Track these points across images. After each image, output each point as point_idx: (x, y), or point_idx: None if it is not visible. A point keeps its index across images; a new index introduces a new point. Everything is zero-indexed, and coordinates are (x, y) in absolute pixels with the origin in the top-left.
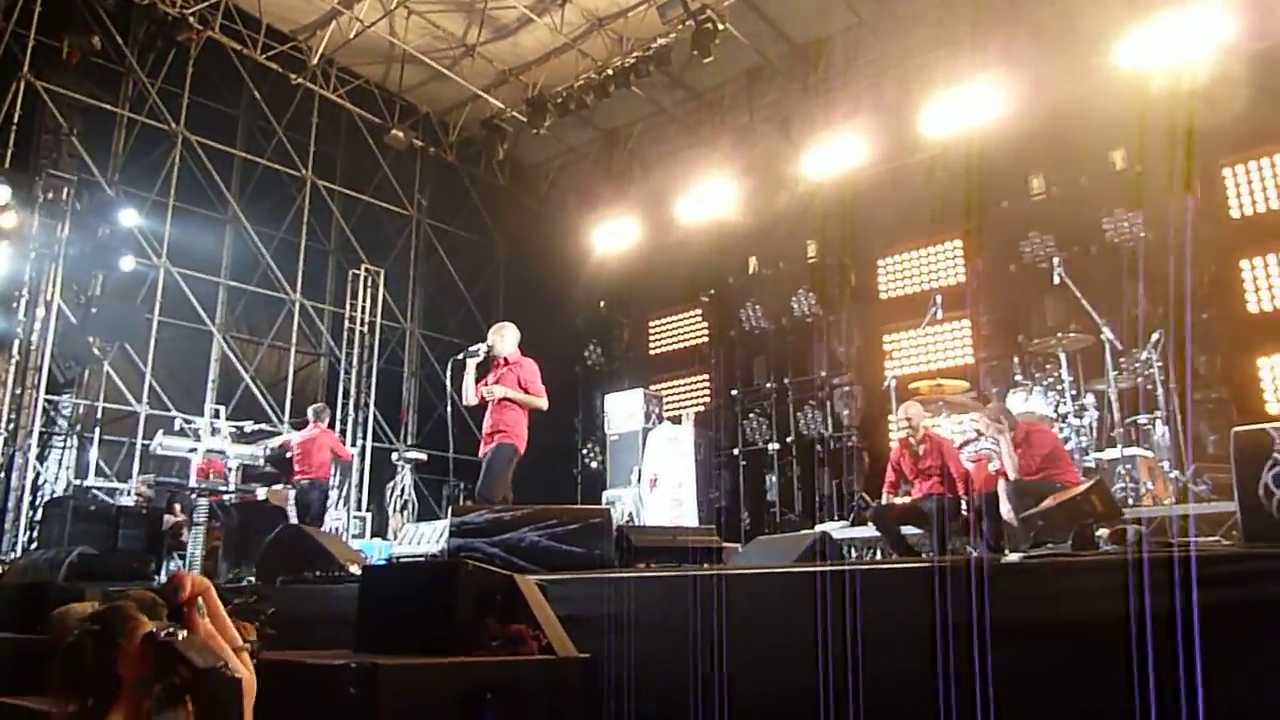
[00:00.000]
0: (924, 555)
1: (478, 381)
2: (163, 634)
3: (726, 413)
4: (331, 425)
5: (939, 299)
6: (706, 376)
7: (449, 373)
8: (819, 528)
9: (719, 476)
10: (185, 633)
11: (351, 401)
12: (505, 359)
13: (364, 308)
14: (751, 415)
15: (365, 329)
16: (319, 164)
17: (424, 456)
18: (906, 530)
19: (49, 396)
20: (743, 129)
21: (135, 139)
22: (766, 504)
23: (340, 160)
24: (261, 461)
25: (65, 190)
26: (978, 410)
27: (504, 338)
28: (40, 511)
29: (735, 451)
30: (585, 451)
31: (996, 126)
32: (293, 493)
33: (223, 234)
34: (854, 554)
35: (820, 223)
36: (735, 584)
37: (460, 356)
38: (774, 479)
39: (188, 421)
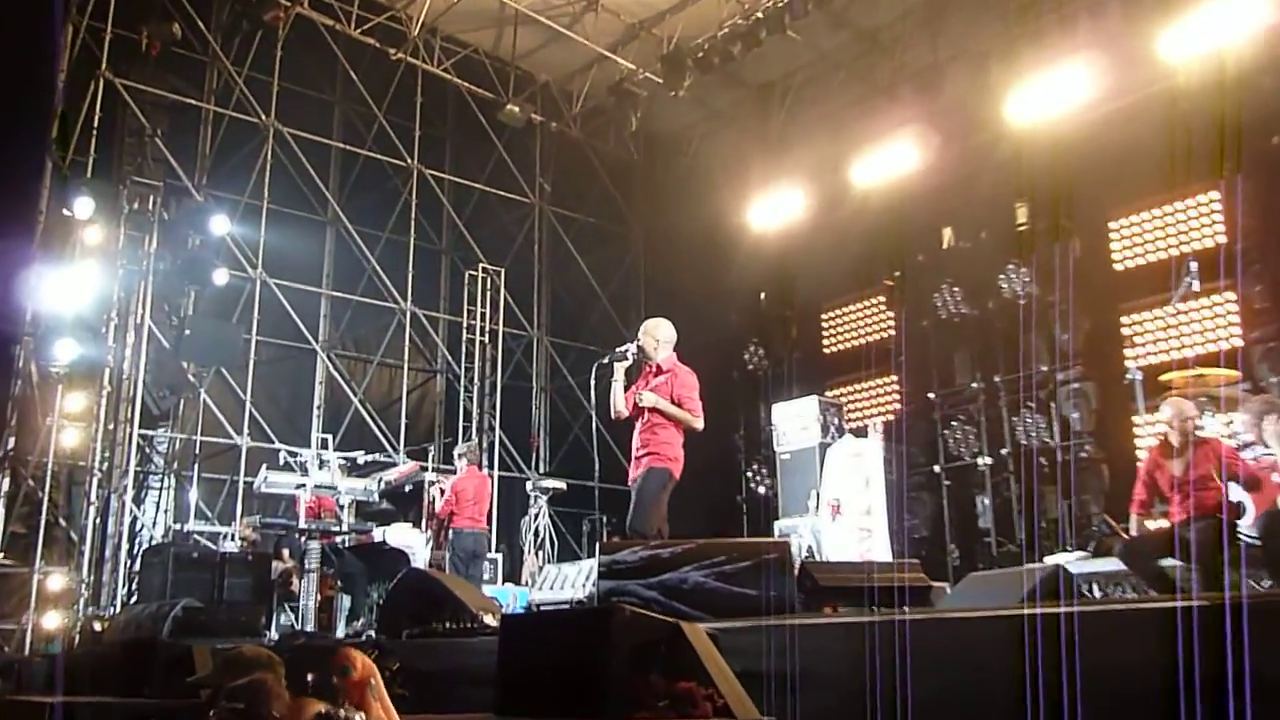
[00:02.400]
0: (1191, 593)
1: (625, 391)
2: (340, 715)
3: (922, 421)
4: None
5: (1193, 266)
6: (895, 378)
7: (593, 380)
8: (1049, 560)
9: (916, 500)
10: (361, 716)
11: (474, 424)
12: (659, 365)
13: (484, 314)
14: (954, 423)
15: (486, 339)
16: (426, 151)
17: (562, 485)
18: (1166, 562)
19: (143, 431)
20: (927, 72)
21: (223, 136)
22: (979, 532)
23: (449, 144)
24: (376, 497)
25: (151, 199)
26: (1258, 405)
27: (657, 339)
28: (139, 561)
29: (936, 468)
30: (750, 474)
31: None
32: (423, 540)
33: (322, 237)
34: (1097, 593)
35: (1031, 181)
36: (948, 631)
37: (606, 360)
38: (987, 501)
39: (292, 454)
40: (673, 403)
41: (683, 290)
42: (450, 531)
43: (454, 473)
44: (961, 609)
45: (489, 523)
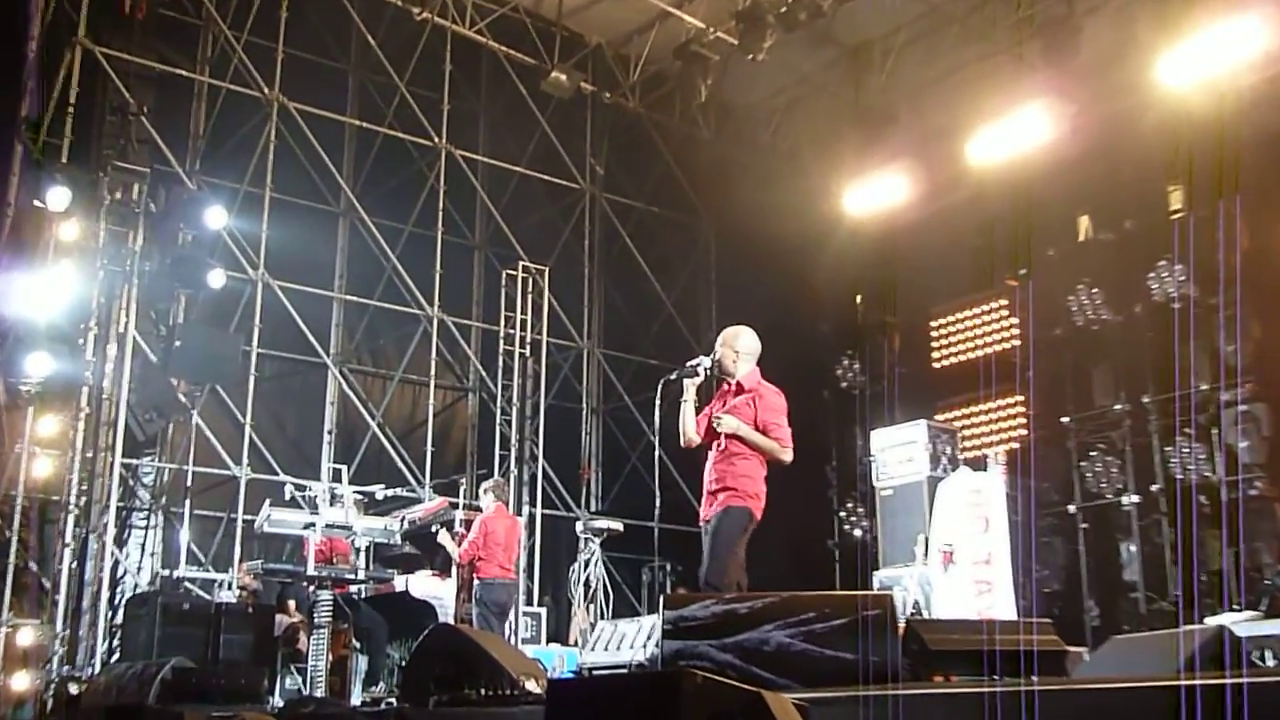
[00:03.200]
0: None
1: (698, 413)
2: None
3: (1055, 451)
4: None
5: None
6: (1020, 398)
7: (657, 400)
8: (1211, 621)
9: (1047, 546)
10: None
11: (513, 453)
12: (738, 384)
13: (524, 322)
14: (1093, 454)
15: (527, 351)
16: (456, 128)
17: (618, 526)
18: None
19: (126, 460)
20: (1059, 27)
21: (219, 113)
22: (1123, 586)
23: (484, 120)
24: (398, 539)
25: (136, 187)
26: None
27: (737, 351)
28: (122, 612)
29: (1071, 508)
30: (845, 514)
31: None
32: (452, 590)
33: (335, 232)
34: (1270, 660)
35: (1188, 158)
36: (1086, 705)
37: (675, 376)
38: (1133, 548)
39: (300, 488)
40: (756, 429)
41: (763, 293)
42: (477, 582)
43: (480, 510)
44: (1103, 679)
45: (526, 570)
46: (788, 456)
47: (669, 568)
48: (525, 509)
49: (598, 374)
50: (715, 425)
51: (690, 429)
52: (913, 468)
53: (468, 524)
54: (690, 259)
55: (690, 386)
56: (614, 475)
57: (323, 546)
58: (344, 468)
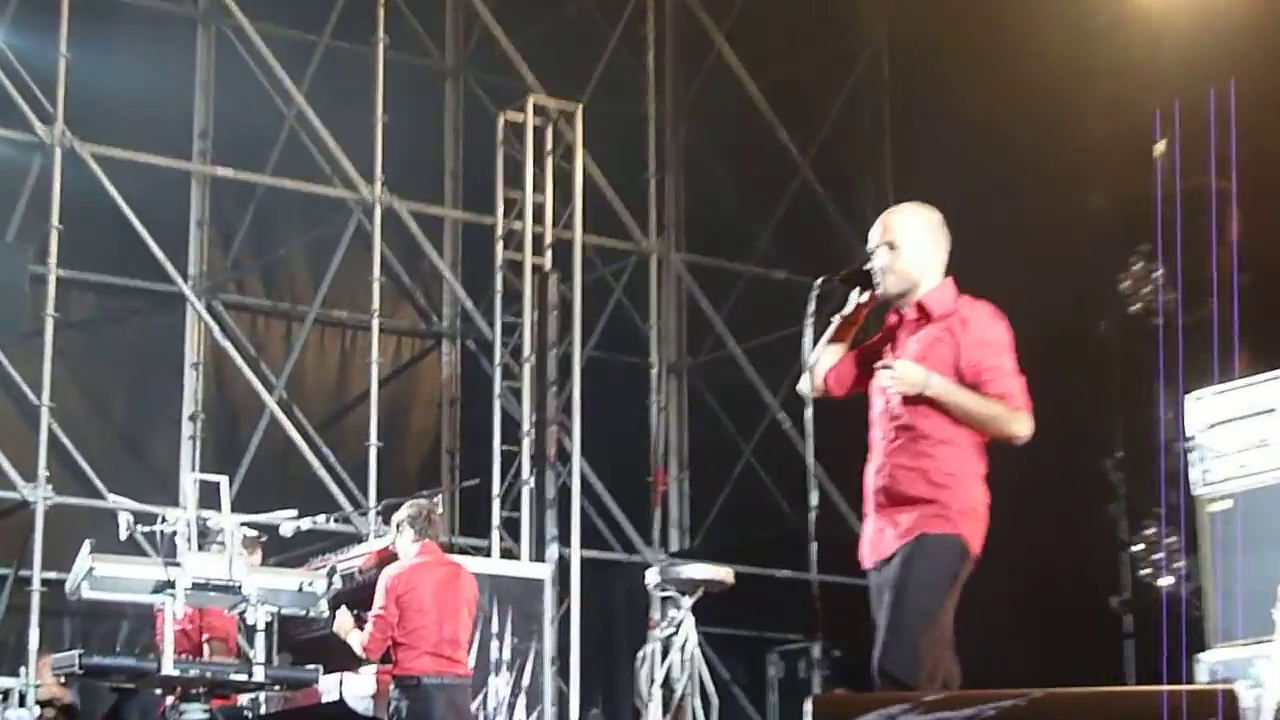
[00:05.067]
0: None
1: (858, 353)
2: None
3: None
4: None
5: None
6: None
7: (809, 321)
8: None
9: None
10: None
11: (524, 449)
12: (920, 307)
13: (540, 207)
14: None
15: (545, 260)
16: None
17: (724, 577)
18: None
19: None
20: None
21: None
22: None
23: None
24: (323, 607)
25: None
26: None
27: (919, 246)
28: None
29: None
30: (1139, 546)
31: None
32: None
33: (190, 51)
34: None
35: None
36: None
37: (839, 277)
38: None
39: (144, 519)
40: (961, 381)
41: (975, 147)
42: (395, 684)
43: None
44: None
45: (558, 657)
46: (1023, 427)
47: (818, 650)
48: (552, 549)
49: (677, 302)
50: (885, 385)
51: (822, 361)
52: (1272, 458)
53: None
54: (838, 93)
55: (848, 305)
56: (710, 485)
57: (187, 624)
58: (222, 482)
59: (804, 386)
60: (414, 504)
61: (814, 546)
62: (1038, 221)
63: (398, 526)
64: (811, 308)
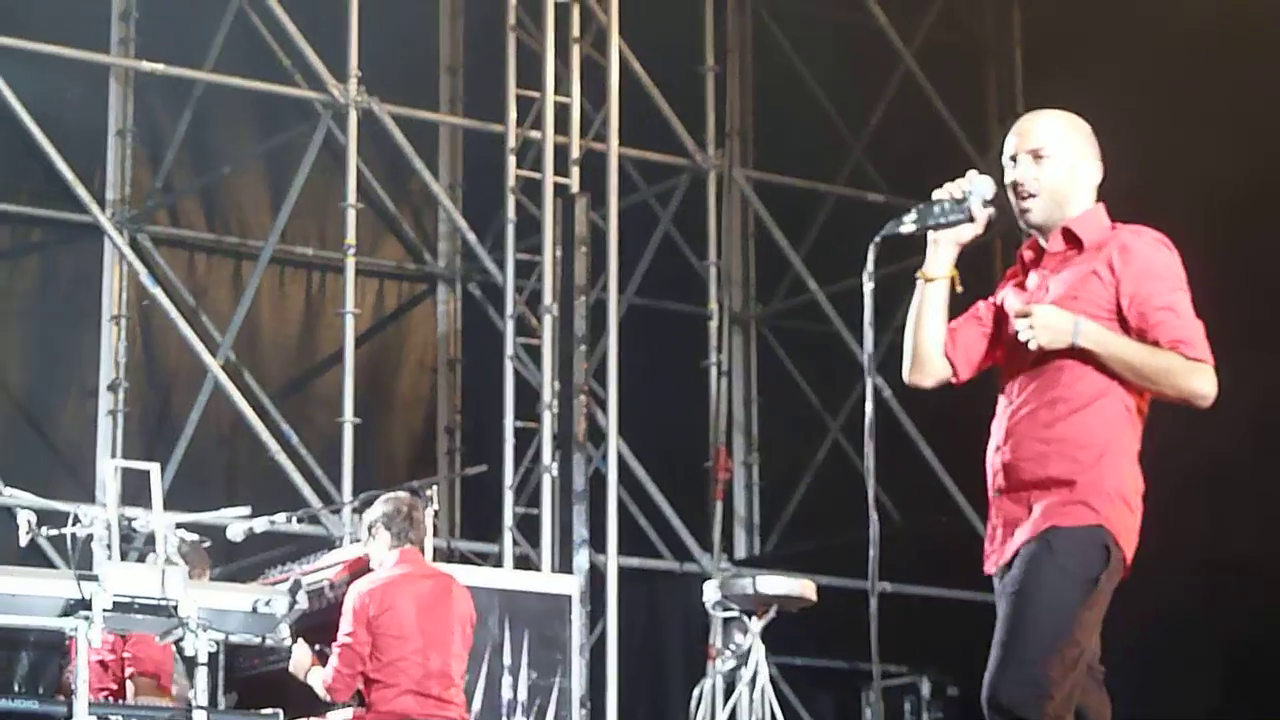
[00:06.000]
0: None
1: (979, 311)
2: None
3: None
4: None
5: None
6: None
7: (868, 275)
8: None
9: None
10: None
11: (545, 425)
12: (1067, 234)
13: (564, 109)
14: None
15: (573, 179)
16: None
17: (805, 592)
18: None
19: None
20: None
21: None
22: None
23: None
24: (284, 633)
25: None
26: None
27: (1073, 158)
28: None
29: None
30: None
31: None
32: None
33: None
34: None
35: None
36: None
37: (909, 219)
38: None
39: (48, 520)
40: (1122, 327)
41: (1139, 39)
42: None
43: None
44: None
45: (588, 694)
46: (1206, 383)
47: (928, 688)
48: (581, 556)
49: (743, 232)
50: (1024, 337)
51: (929, 341)
52: None
53: None
54: None
55: (942, 243)
56: (787, 472)
57: (108, 655)
58: (152, 470)
59: (914, 376)
60: (390, 499)
61: (874, 555)
62: (1218, 134)
63: (370, 529)
64: (871, 264)
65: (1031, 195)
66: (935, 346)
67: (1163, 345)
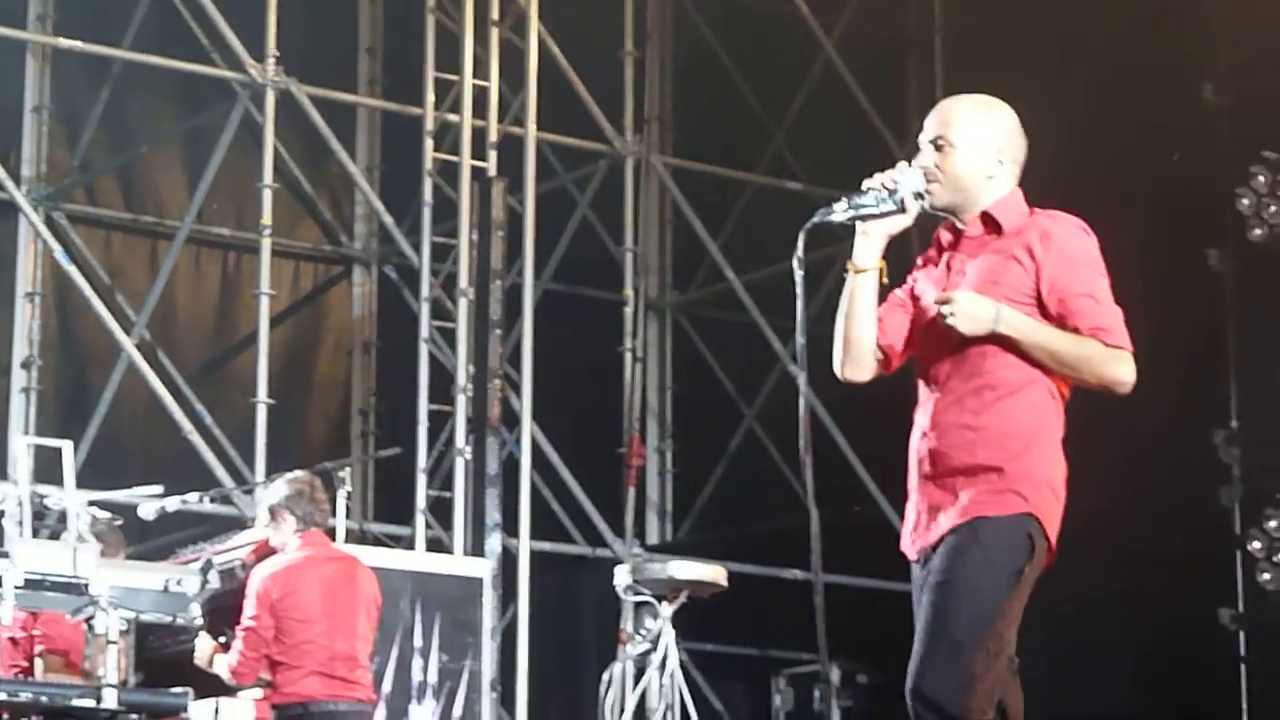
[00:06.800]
0: None
1: (899, 298)
2: None
3: None
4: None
5: None
6: None
7: (797, 261)
8: None
9: None
10: None
11: (459, 408)
12: (986, 219)
13: (482, 93)
14: None
15: (490, 164)
16: None
17: (716, 578)
18: None
19: None
20: None
21: None
22: None
23: None
24: (194, 612)
25: None
26: None
27: (979, 146)
28: None
29: None
30: (1258, 544)
31: None
32: None
33: None
34: None
35: None
36: None
37: (836, 209)
38: None
39: None
40: (1042, 314)
41: (1055, 22)
42: (275, 713)
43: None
44: None
45: (498, 682)
46: (1125, 370)
47: (838, 676)
48: (494, 539)
49: (660, 219)
50: (942, 318)
51: (862, 333)
52: None
53: None
54: None
55: (872, 234)
56: (701, 458)
57: (18, 631)
58: (64, 448)
59: (849, 371)
60: (292, 480)
61: (816, 538)
62: (1134, 121)
63: (273, 512)
64: (800, 251)
65: (933, 181)
66: (868, 339)
67: (1083, 332)
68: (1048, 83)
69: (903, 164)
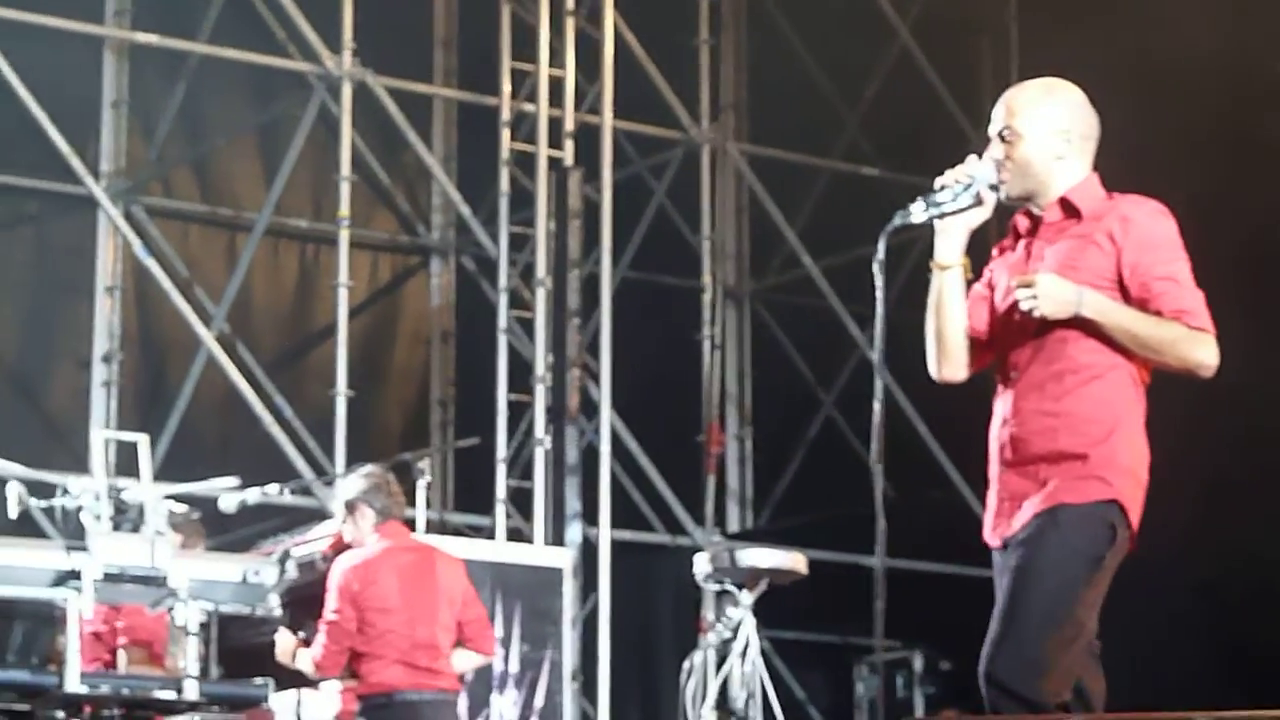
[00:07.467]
0: None
1: (982, 289)
2: None
3: None
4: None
5: None
6: None
7: (878, 261)
8: None
9: None
10: None
11: (538, 398)
12: (1065, 205)
13: (558, 83)
14: None
15: (567, 153)
16: None
17: (796, 566)
18: None
19: None
20: None
21: None
22: None
23: None
24: (274, 603)
25: None
26: None
27: (1048, 135)
28: None
29: None
30: None
31: None
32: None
33: None
34: None
35: None
36: None
37: (917, 208)
38: None
39: (39, 492)
40: (1123, 297)
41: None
42: (361, 704)
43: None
44: None
45: (580, 669)
46: (1209, 353)
47: (920, 662)
48: (574, 529)
49: (737, 206)
50: (1023, 304)
51: (952, 329)
52: None
53: None
54: None
55: (952, 231)
56: (781, 446)
57: (100, 625)
58: (142, 441)
59: (945, 370)
60: (366, 475)
61: (881, 525)
62: (1214, 97)
63: (350, 507)
64: (881, 254)
65: (1004, 172)
66: (959, 335)
67: (1165, 315)
68: (1125, 63)
69: (972, 157)
